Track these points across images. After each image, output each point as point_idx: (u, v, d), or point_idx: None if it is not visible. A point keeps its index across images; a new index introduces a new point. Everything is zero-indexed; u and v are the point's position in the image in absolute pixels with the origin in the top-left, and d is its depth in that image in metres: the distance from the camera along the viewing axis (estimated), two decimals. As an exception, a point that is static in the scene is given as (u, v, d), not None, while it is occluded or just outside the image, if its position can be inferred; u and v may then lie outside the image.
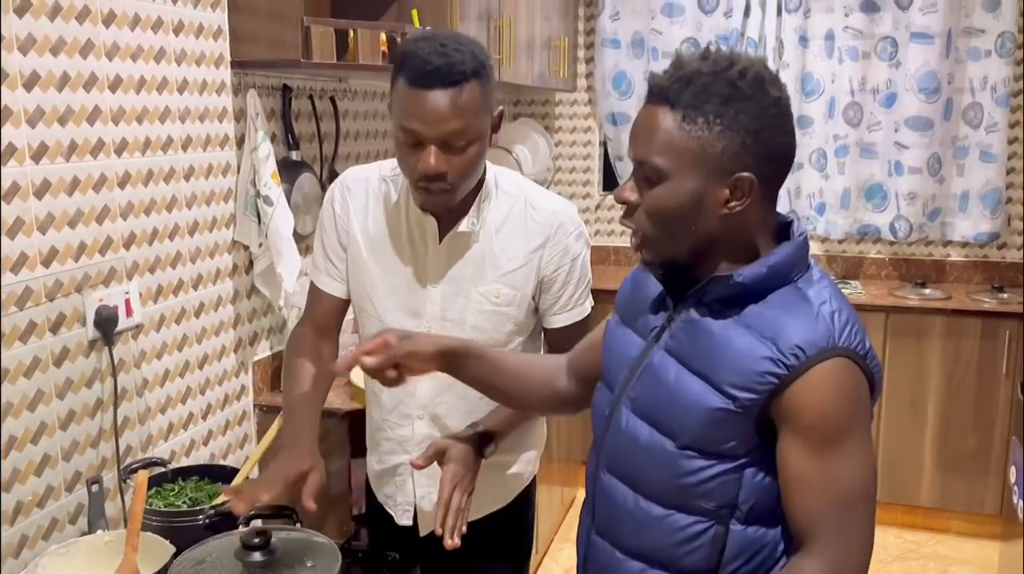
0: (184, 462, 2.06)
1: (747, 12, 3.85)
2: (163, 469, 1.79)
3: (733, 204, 1.09)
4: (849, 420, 1.09)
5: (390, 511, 1.75)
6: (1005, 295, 3.54)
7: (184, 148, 2.02)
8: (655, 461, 1.18)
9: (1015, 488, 2.65)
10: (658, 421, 1.18)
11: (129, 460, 1.86)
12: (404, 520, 1.73)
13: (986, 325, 3.40)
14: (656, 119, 1.10)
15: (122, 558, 1.47)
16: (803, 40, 3.83)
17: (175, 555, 1.43)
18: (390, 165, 1.62)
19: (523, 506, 1.80)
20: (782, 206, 3.93)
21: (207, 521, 1.59)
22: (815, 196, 3.96)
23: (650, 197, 1.12)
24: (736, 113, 1.06)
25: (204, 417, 2.16)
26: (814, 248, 4.06)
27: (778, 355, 1.07)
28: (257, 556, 1.36)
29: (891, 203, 3.86)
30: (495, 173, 1.60)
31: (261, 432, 2.38)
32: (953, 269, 3.91)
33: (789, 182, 3.97)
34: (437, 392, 1.62)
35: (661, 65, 3.99)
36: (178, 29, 1.98)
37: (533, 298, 1.61)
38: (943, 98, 3.69)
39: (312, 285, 1.71)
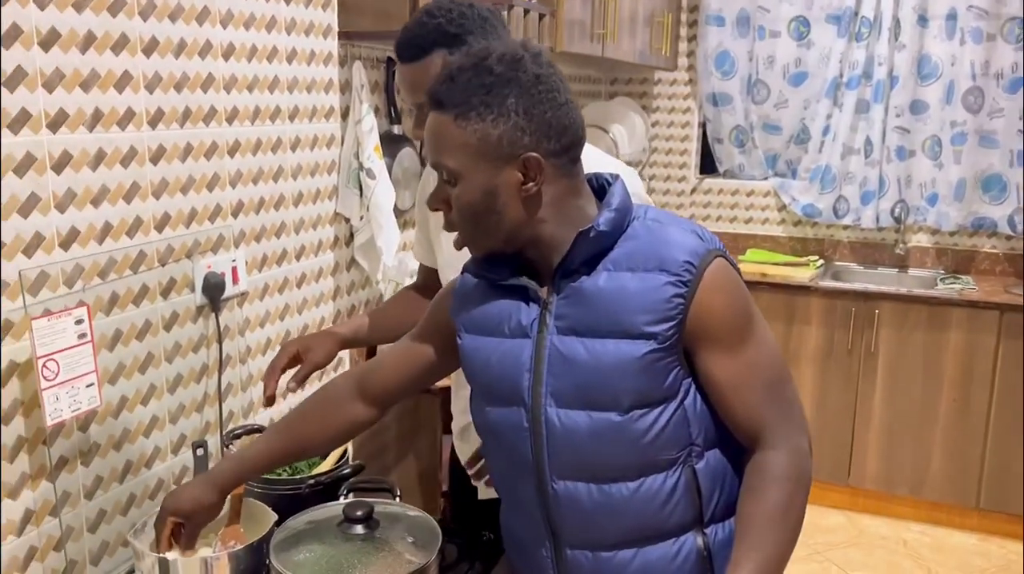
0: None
1: (862, -11, 3.68)
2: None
3: (529, 185, 1.11)
4: (747, 309, 1.15)
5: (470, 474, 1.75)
6: None
7: (291, 119, 2.02)
8: (606, 440, 1.15)
9: None
10: (592, 401, 1.15)
11: (231, 426, 1.88)
12: (475, 480, 1.73)
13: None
14: (438, 124, 1.12)
15: (226, 522, 1.49)
16: (922, 20, 3.64)
17: (277, 523, 1.44)
18: None
19: None
20: (892, 195, 3.80)
21: (307, 490, 1.60)
22: (927, 186, 3.78)
23: (454, 199, 1.14)
24: (503, 99, 1.08)
25: (302, 388, 2.18)
26: (923, 240, 3.88)
27: (674, 276, 1.10)
28: (359, 529, 1.36)
29: (1011, 195, 3.64)
30: None
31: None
32: (1076, 267, 3.67)
33: (899, 170, 3.80)
34: None
35: (767, 45, 3.87)
36: (289, -2, 1.98)
37: None
38: (1074, 84, 3.46)
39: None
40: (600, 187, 1.21)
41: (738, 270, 1.17)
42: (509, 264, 1.21)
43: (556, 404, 1.16)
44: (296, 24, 2.01)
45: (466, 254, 1.64)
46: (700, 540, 1.18)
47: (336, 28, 2.15)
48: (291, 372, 1.71)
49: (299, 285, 2.13)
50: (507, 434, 1.22)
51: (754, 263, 3.86)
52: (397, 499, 1.52)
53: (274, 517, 1.47)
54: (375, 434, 2.36)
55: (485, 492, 1.73)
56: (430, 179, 1.77)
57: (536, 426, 1.18)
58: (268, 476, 1.67)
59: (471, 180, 1.12)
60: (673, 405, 1.14)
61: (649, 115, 4.17)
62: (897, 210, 3.83)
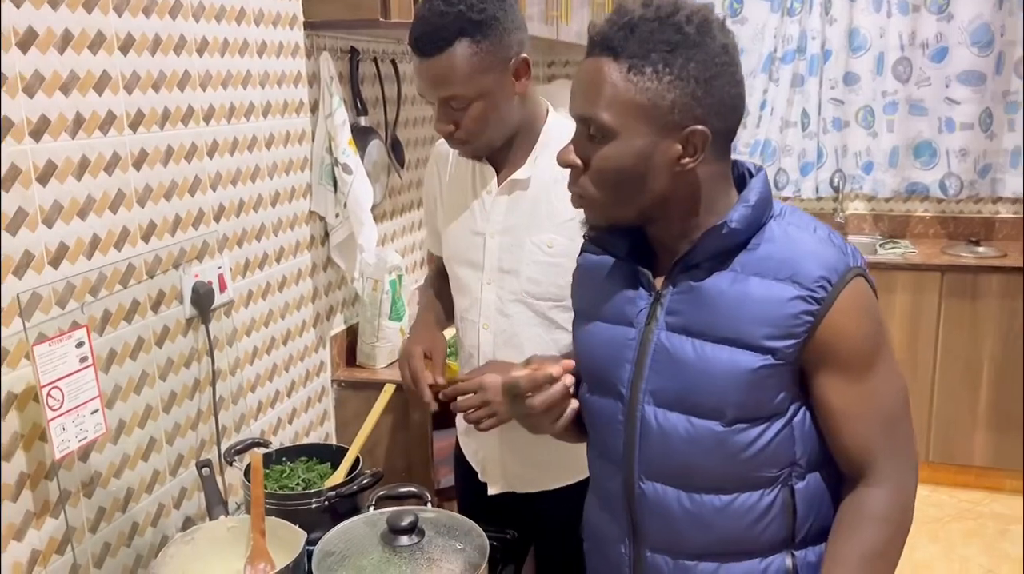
0: (271, 440, 1.99)
1: (793, -35, 3.75)
2: (265, 449, 1.72)
3: (686, 161, 1.02)
4: (878, 338, 1.06)
5: (475, 468, 1.75)
6: (1062, 251, 3.50)
7: (264, 115, 1.93)
8: (704, 449, 1.08)
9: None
10: (694, 406, 1.08)
11: (228, 441, 1.79)
12: (481, 477, 1.73)
13: (1044, 282, 3.36)
14: (600, 72, 1.01)
15: (251, 545, 1.41)
16: (851, -7, 3.74)
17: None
18: None
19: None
20: (829, 165, 3.91)
21: (327, 503, 1.53)
22: (862, 155, 3.89)
23: (598, 158, 1.04)
24: (685, 61, 0.98)
25: (288, 394, 2.09)
26: (861, 208, 4.01)
27: (806, 291, 1.02)
28: (405, 540, 1.30)
29: (941, 160, 3.80)
30: (559, 123, 1.57)
31: (339, 408, 2.31)
32: (1003, 226, 3.86)
33: (836, 141, 3.90)
34: (496, 346, 1.62)
35: (703, 22, 3.91)
36: (256, -12, 1.87)
37: None
38: (995, 51, 3.61)
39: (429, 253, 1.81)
40: (739, 176, 1.12)
41: (875, 291, 1.08)
42: (629, 237, 1.12)
43: (655, 402, 1.10)
44: (264, 15, 1.91)
45: (469, 249, 1.61)
46: (789, 561, 1.11)
47: (301, 18, 2.05)
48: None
49: (280, 289, 2.04)
50: (602, 425, 1.18)
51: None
52: (429, 505, 1.47)
53: (303, 535, 1.40)
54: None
55: (495, 486, 1.70)
56: (435, 169, 1.71)
57: (631, 422, 1.12)
58: (283, 491, 1.60)
59: (627, 142, 1.01)
60: (780, 422, 1.07)
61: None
62: (835, 179, 3.94)
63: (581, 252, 1.27)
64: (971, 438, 3.54)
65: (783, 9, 3.81)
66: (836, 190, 3.95)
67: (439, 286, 1.78)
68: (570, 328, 1.54)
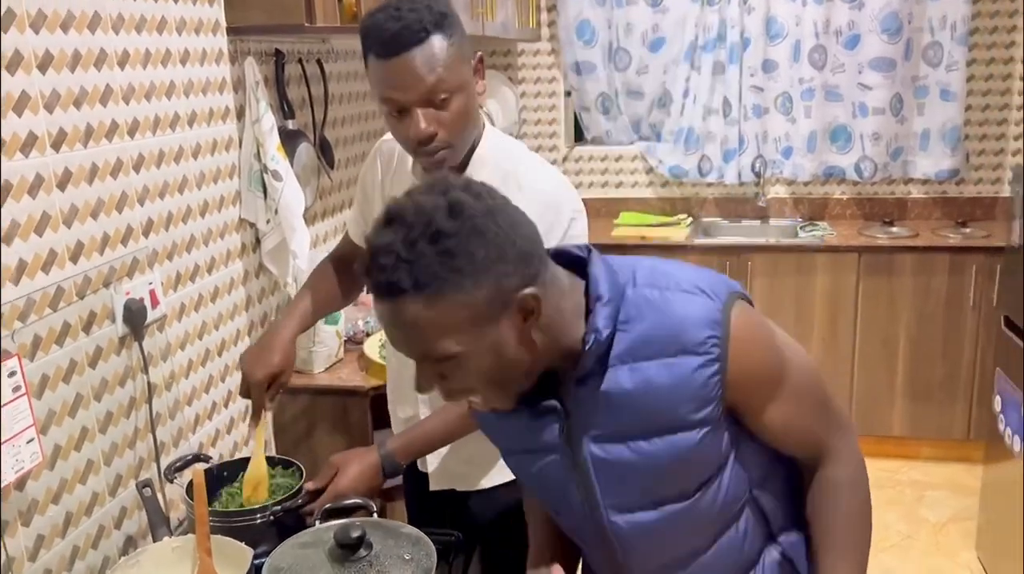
0: (211, 452, 1.98)
1: (711, -44, 3.83)
2: (206, 464, 1.71)
3: (531, 320, 0.97)
4: (776, 348, 1.09)
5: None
6: (968, 230, 3.68)
7: (190, 124, 1.90)
8: (680, 528, 1.13)
9: (1000, 415, 2.79)
10: (660, 498, 1.10)
11: (167, 457, 1.78)
12: (421, 467, 1.74)
13: (953, 260, 3.53)
14: (407, 315, 0.92)
15: (197, 564, 1.41)
16: (767, -17, 3.84)
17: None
18: None
19: None
20: (751, 151, 4.03)
21: (272, 518, 1.53)
22: (781, 140, 4.01)
23: (456, 378, 0.99)
24: (471, 257, 0.91)
25: (226, 405, 2.08)
26: (781, 192, 4.14)
27: (702, 357, 1.01)
28: (354, 554, 1.32)
29: (855, 144, 3.94)
30: (494, 142, 1.54)
31: (277, 415, 2.30)
32: (915, 206, 4.03)
33: (756, 127, 4.01)
34: None
35: (625, 12, 3.96)
36: (176, -4, 1.84)
37: None
38: (904, 38, 3.76)
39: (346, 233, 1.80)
40: (572, 262, 1.08)
41: (750, 301, 1.09)
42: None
43: (619, 511, 1.12)
44: (186, 23, 1.88)
45: None
46: (776, 552, 1.20)
47: (224, 24, 2.02)
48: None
49: (213, 299, 2.02)
50: (584, 540, 1.22)
51: (630, 226, 4.00)
52: (375, 515, 1.49)
53: (250, 552, 1.41)
54: (304, 437, 2.29)
55: (437, 482, 1.73)
56: (377, 164, 1.68)
57: (605, 534, 1.15)
58: (227, 508, 1.60)
59: (474, 353, 0.95)
60: (729, 464, 1.11)
61: (516, 87, 4.19)
62: (756, 165, 4.06)
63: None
64: (890, 410, 3.71)
65: (703, -1, 3.89)
66: (758, 175, 4.06)
67: (328, 271, 1.77)
68: None
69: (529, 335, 0.98)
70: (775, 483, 1.19)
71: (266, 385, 1.57)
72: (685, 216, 4.12)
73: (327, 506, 1.49)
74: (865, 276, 3.60)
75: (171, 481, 1.64)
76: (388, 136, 1.66)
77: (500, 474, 1.69)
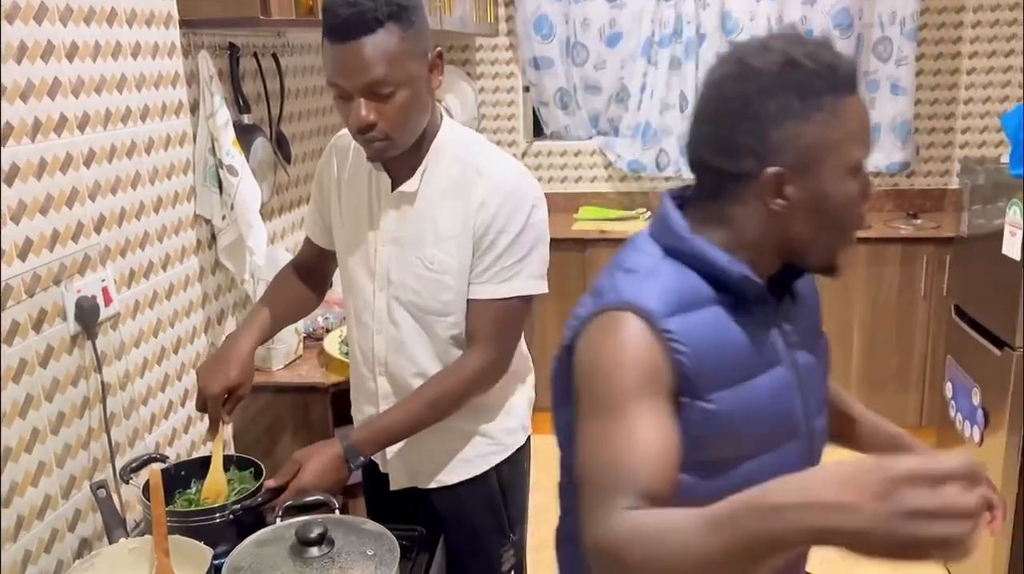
0: (168, 452, 1.95)
1: (667, -49, 3.85)
2: (163, 465, 1.68)
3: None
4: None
5: (376, 460, 1.74)
6: (919, 221, 3.76)
7: (143, 119, 1.86)
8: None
9: (952, 402, 2.85)
10: (824, 401, 1.21)
11: (122, 458, 1.74)
12: (383, 467, 1.74)
13: (905, 251, 3.60)
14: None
15: (155, 565, 1.39)
16: (722, -21, 3.87)
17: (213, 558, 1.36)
18: None
19: (494, 479, 1.71)
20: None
21: (232, 516, 1.51)
22: (737, 134, 4.05)
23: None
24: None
25: (183, 404, 2.05)
26: (738, 185, 4.17)
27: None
28: (315, 551, 1.31)
29: (809, 138, 3.99)
30: (452, 135, 1.55)
31: (238, 412, 2.27)
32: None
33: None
34: (388, 352, 1.62)
35: (582, 7, 3.97)
36: (126, -13, 1.80)
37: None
38: (855, 33, 3.83)
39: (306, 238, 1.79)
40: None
41: (651, 321, 1.01)
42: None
43: (815, 416, 1.16)
44: (136, 15, 1.84)
45: (363, 252, 1.60)
46: None
47: (177, 16, 1.99)
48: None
49: (168, 297, 1.98)
50: (789, 466, 1.10)
51: (590, 221, 4.01)
52: (337, 511, 1.48)
53: (210, 552, 1.39)
54: (264, 435, 2.27)
55: (397, 481, 1.72)
56: (333, 160, 1.66)
57: (812, 447, 1.16)
58: (186, 508, 1.57)
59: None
60: None
61: (474, 82, 4.18)
62: (713, 159, 4.09)
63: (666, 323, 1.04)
64: (845, 399, 3.77)
65: (659, -6, 3.92)
66: (715, 169, 4.10)
67: (290, 278, 1.77)
68: (448, 340, 1.57)
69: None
70: None
71: (223, 399, 1.55)
72: (644, 210, 4.15)
73: (288, 503, 1.48)
74: (820, 267, 3.65)
75: (127, 482, 1.61)
76: (343, 132, 1.65)
77: (461, 469, 1.68)
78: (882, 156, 3.97)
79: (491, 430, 1.69)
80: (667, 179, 4.20)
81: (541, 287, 1.56)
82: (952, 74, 3.95)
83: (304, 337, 2.41)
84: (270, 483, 1.52)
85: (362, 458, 1.53)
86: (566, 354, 1.10)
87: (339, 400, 2.25)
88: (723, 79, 1.06)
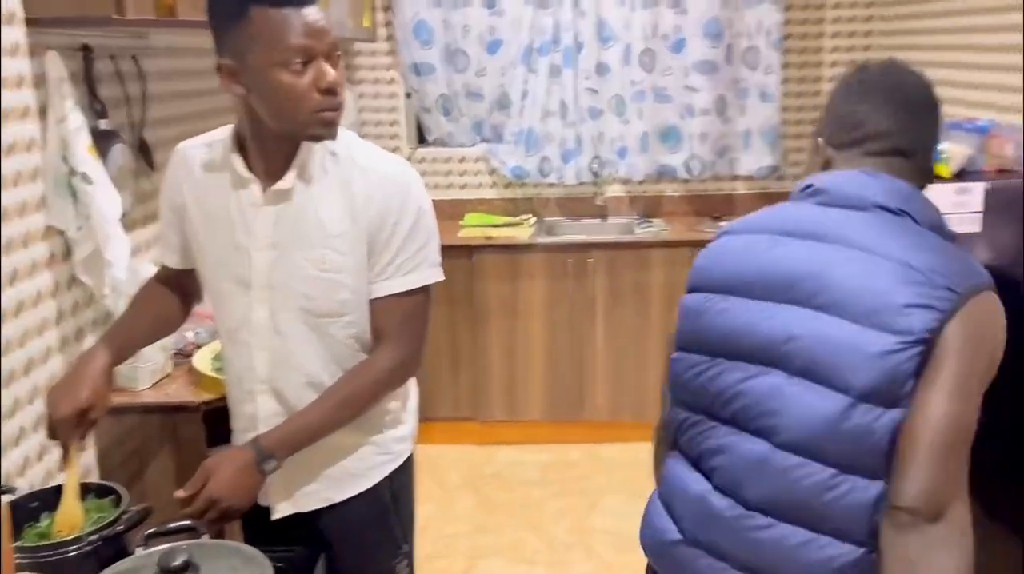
0: (18, 483, 1.81)
1: (544, -40, 3.89)
2: (11, 497, 1.55)
3: None
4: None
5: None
6: (789, 223, 3.91)
7: (-18, 123, 1.73)
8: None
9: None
10: None
11: (-35, 492, 1.60)
12: (262, 501, 1.63)
13: (777, 251, 3.74)
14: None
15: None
16: (597, -13, 3.94)
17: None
18: (220, 133, 1.57)
19: (385, 490, 1.66)
20: (588, 152, 4.12)
21: (90, 548, 1.41)
22: (616, 141, 4.13)
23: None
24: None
25: (35, 429, 1.90)
26: (618, 191, 4.26)
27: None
28: (179, 580, 1.23)
29: (684, 143, 4.11)
30: None
31: (99, 437, 2.13)
32: (740, 201, 4.25)
33: (592, 128, 4.11)
34: (273, 366, 1.55)
35: (461, 14, 3.97)
36: (-40, -19, 1.67)
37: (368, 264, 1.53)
38: (725, 43, 3.96)
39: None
40: None
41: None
42: None
43: None
44: (-27, 11, 1.70)
45: (233, 264, 1.52)
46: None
47: (22, 14, 1.85)
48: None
49: (16, 314, 1.84)
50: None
51: (476, 227, 4.00)
52: (205, 537, 1.40)
53: (64, 588, 1.29)
54: (132, 458, 2.13)
55: (280, 510, 1.63)
56: (178, 176, 1.59)
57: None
58: (38, 542, 1.45)
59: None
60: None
61: (354, 87, 4.11)
62: (594, 165, 4.16)
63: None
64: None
65: (537, 2, 3.95)
66: (595, 175, 4.17)
67: (153, 291, 1.70)
68: (345, 341, 1.53)
69: None
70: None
71: (73, 422, 1.45)
72: (529, 216, 4.17)
73: (150, 531, 1.39)
74: (698, 269, 3.75)
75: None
76: (180, 146, 1.60)
77: (351, 484, 1.62)
78: (753, 160, 4.13)
79: (381, 439, 1.64)
80: (550, 185, 4.24)
81: (440, 275, 1.56)
82: (815, 82, 4.15)
83: (173, 354, 2.29)
84: (180, 494, 1.42)
85: (275, 462, 1.47)
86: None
87: (211, 419, 2.15)
88: None
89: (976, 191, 2.15)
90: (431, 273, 1.54)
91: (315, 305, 1.50)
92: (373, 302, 1.52)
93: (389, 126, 4.23)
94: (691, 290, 1.34)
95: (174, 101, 2.64)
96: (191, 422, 2.12)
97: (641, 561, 1.42)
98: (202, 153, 1.56)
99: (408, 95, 4.19)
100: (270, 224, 1.49)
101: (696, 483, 1.28)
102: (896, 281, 1.12)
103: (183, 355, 2.33)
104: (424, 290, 1.54)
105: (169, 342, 2.23)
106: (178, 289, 1.70)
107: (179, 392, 2.17)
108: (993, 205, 2.14)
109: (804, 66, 4.13)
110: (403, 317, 1.53)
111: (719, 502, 1.24)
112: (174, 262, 1.67)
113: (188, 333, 2.36)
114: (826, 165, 1.35)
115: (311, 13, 1.36)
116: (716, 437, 1.26)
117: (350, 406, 1.52)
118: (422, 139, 4.30)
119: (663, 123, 4.09)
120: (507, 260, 3.79)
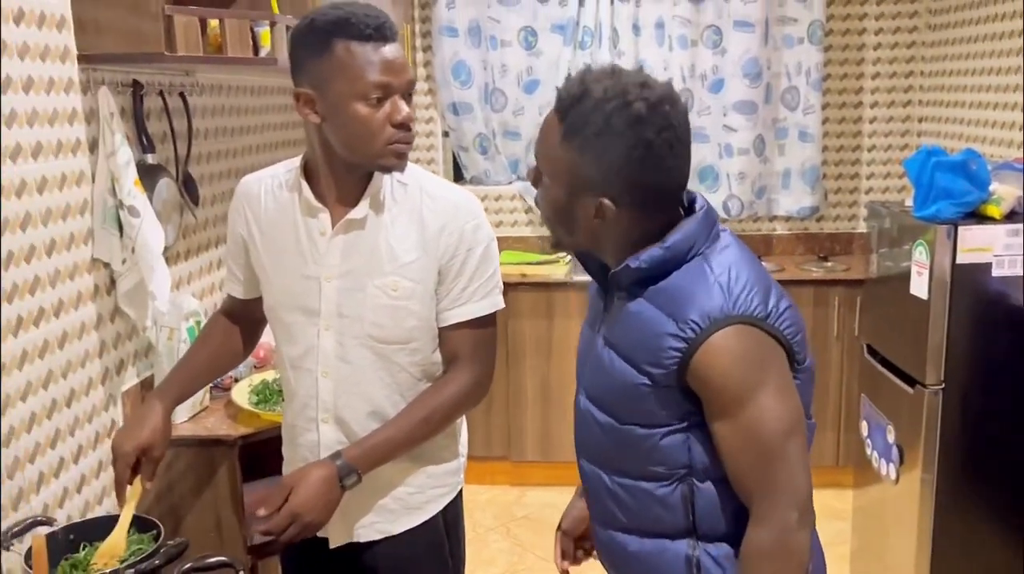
0: (58, 514, 1.80)
1: (582, 1, 3.92)
2: (50, 528, 1.55)
3: (597, 221, 1.20)
4: (751, 381, 1.15)
5: None
6: (830, 264, 3.86)
7: (35, 156, 1.75)
8: (611, 438, 1.28)
9: (867, 440, 2.90)
10: (603, 403, 1.29)
11: (5, 522, 1.60)
12: (320, 532, 1.61)
13: (817, 292, 3.69)
14: (549, 125, 1.22)
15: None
16: (636, 28, 3.96)
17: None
18: (284, 167, 1.61)
19: (439, 522, 1.68)
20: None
21: (127, 583, 1.40)
22: (654, 179, 4.11)
23: (539, 191, 1.26)
24: (604, 148, 1.15)
25: (76, 461, 1.90)
26: (656, 229, 4.22)
27: (677, 330, 1.16)
28: (215, 618, 1.21)
29: (723, 183, 4.09)
30: None
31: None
32: (779, 242, 4.21)
33: (630, 167, 4.10)
34: (337, 395, 1.56)
35: (499, 54, 4.00)
36: (18, 18, 1.71)
37: (437, 292, 1.55)
38: (764, 83, 3.95)
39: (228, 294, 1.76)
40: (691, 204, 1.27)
41: (778, 336, 1.17)
42: (599, 261, 1.31)
43: (586, 395, 1.34)
44: (30, 49, 1.74)
45: (301, 295, 1.54)
46: (691, 550, 1.25)
47: (75, 51, 1.89)
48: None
49: (61, 346, 1.85)
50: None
51: (512, 265, 3.99)
52: (241, 572, 1.38)
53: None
54: (167, 493, 2.12)
55: (338, 538, 1.62)
56: (243, 208, 1.62)
57: (577, 407, 1.37)
58: (71, 573, 1.44)
59: (552, 190, 1.21)
60: (667, 431, 1.22)
61: (392, 126, 4.15)
62: (631, 204, 4.14)
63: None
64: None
65: (575, 43, 3.98)
66: (633, 213, 4.15)
67: (217, 327, 1.73)
68: (410, 369, 1.55)
69: (593, 224, 1.20)
70: (721, 496, 1.23)
71: (133, 459, 1.49)
72: (565, 254, 4.15)
73: (187, 566, 1.37)
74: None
75: (7, 548, 1.48)
76: (245, 180, 1.63)
77: (408, 517, 1.61)
78: (792, 201, 4.09)
79: (437, 471, 1.65)
80: (586, 223, 4.22)
81: (502, 302, 1.61)
82: (855, 122, 4.12)
83: (212, 387, 2.29)
84: (260, 512, 1.43)
85: (356, 477, 1.48)
86: None
87: (247, 454, 2.14)
88: None
89: (1029, 232, 2.10)
90: (500, 299, 1.60)
91: (383, 333, 1.52)
92: (446, 329, 1.55)
93: (427, 164, 4.26)
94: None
95: (219, 137, 2.68)
96: (226, 457, 2.11)
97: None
98: (267, 185, 1.60)
99: (446, 134, 4.23)
100: (341, 253, 1.51)
101: None
102: None
103: (221, 389, 2.33)
104: (494, 315, 1.58)
105: (208, 375, 2.23)
106: (244, 318, 1.73)
107: (216, 426, 2.16)
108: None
109: (844, 106, 4.10)
110: (476, 342, 1.56)
111: None
112: (239, 292, 1.70)
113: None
114: None
115: (391, 50, 1.41)
116: None
117: (429, 423, 1.54)
118: (459, 177, 4.33)
119: (701, 162, 4.07)
120: (542, 298, 3.77)
